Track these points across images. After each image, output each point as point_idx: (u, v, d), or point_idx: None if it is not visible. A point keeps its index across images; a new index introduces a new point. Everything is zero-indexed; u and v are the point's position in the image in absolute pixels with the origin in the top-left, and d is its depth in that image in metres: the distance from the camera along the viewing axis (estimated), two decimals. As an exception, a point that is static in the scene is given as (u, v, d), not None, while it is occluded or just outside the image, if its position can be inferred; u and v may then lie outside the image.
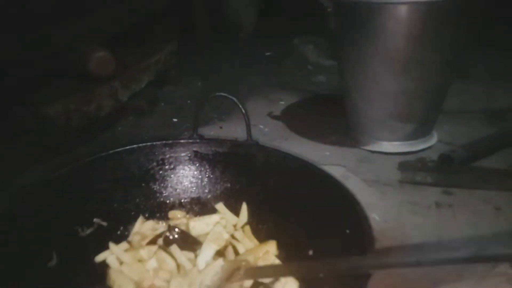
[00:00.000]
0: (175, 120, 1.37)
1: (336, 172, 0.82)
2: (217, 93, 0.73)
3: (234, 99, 0.71)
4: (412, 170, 0.92)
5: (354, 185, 0.81)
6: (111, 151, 0.67)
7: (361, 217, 0.51)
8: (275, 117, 1.35)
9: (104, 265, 0.61)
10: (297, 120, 1.31)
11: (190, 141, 0.71)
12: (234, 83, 1.68)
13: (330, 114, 1.26)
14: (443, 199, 0.84)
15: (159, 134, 1.25)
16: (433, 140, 1.08)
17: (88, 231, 0.63)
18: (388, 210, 0.78)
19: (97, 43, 1.36)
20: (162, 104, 1.49)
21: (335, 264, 0.44)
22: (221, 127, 1.27)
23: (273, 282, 0.56)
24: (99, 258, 0.61)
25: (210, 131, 1.23)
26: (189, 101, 1.53)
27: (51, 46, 1.32)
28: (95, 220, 0.64)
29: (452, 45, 0.94)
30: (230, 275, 0.57)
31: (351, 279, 0.43)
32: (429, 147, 1.05)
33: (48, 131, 1.14)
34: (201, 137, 0.73)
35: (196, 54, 2.07)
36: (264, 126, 1.28)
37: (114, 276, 0.58)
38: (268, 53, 2.08)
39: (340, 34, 1.01)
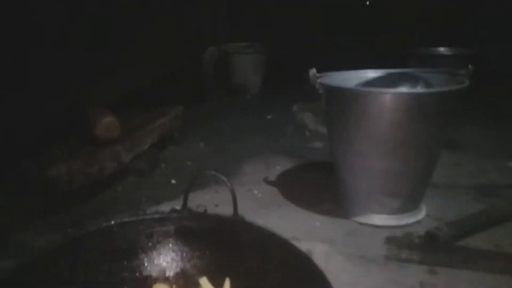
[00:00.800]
0: (173, 181, 1.42)
1: (320, 249, 0.84)
2: (207, 172, 0.78)
3: (223, 178, 0.76)
4: (398, 246, 0.93)
5: (338, 263, 0.83)
6: (100, 226, 0.70)
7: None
8: (270, 183, 1.39)
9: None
10: (291, 186, 1.35)
11: (178, 215, 0.75)
12: (236, 146, 1.75)
13: (323, 181, 1.30)
14: (427, 278, 0.85)
15: (156, 196, 1.30)
16: (421, 214, 1.10)
17: (74, 302, 0.65)
18: (370, 291, 0.79)
19: (106, 105, 1.45)
20: (163, 165, 1.55)
21: None
22: (216, 191, 1.31)
23: None
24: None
25: (205, 195, 1.27)
26: (189, 163, 1.59)
27: (64, 109, 1.42)
28: (81, 292, 0.66)
29: (435, 130, 0.99)
30: None
31: None
32: (417, 222, 1.07)
33: (51, 191, 1.19)
34: (190, 212, 0.77)
35: (202, 115, 2.17)
36: (259, 191, 1.32)
37: None
38: (269, 117, 2.17)
39: (331, 114, 1.08)
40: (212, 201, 1.18)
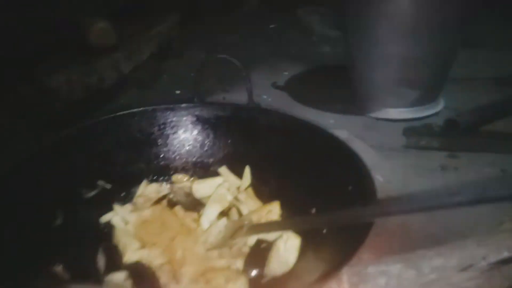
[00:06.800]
0: (178, 92, 1.36)
1: (339, 134, 0.81)
2: (218, 55, 0.72)
3: (235, 60, 0.70)
4: (417, 135, 0.91)
5: (358, 147, 0.80)
6: (112, 115, 0.67)
7: (364, 171, 0.50)
8: (279, 87, 1.33)
9: (109, 226, 0.62)
10: (301, 90, 1.30)
11: (191, 105, 0.71)
12: (238, 54, 1.66)
13: (335, 84, 1.24)
14: (448, 162, 0.83)
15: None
16: (439, 106, 1.06)
17: (92, 193, 0.63)
18: (392, 172, 0.78)
19: (98, 14, 1.34)
20: (165, 76, 1.48)
21: (337, 216, 0.44)
22: (224, 98, 1.26)
23: (275, 239, 0.56)
24: (104, 219, 0.62)
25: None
26: (192, 74, 1.51)
27: (51, 19, 1.31)
28: (98, 182, 0.64)
29: (460, 9, 0.91)
30: (233, 233, 0.57)
31: (352, 230, 0.43)
32: (436, 113, 1.03)
33: (51, 103, 1.14)
34: (203, 101, 0.72)
35: (200, 27, 2.04)
36: (268, 96, 1.27)
37: (119, 235, 0.59)
38: (272, 26, 2.04)
39: (346, 2, 0.98)
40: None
